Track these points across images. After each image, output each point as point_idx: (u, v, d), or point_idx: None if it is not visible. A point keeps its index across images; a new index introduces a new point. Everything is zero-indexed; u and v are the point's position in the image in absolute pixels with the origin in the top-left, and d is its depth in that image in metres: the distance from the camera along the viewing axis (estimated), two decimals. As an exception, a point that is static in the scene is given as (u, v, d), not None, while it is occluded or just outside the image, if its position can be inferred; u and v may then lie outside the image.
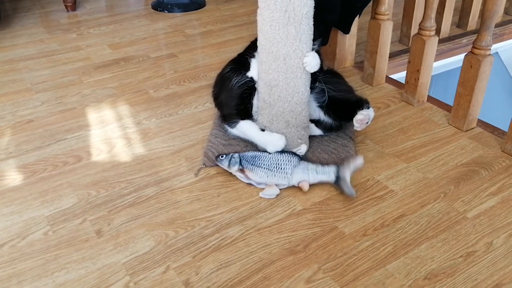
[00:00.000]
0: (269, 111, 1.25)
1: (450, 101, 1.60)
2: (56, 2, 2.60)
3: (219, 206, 1.16)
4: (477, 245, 1.05)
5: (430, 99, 1.61)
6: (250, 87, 1.27)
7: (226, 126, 1.34)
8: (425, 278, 0.97)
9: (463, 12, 2.24)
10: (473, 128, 1.46)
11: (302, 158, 1.24)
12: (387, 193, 1.20)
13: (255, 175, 1.20)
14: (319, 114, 1.34)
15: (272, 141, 1.24)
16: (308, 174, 1.19)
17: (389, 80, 1.75)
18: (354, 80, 1.74)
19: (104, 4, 2.62)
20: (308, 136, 1.31)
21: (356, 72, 1.80)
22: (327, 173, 1.19)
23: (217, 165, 1.27)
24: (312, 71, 1.22)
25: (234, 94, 1.28)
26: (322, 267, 1.00)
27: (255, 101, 1.28)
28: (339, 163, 1.21)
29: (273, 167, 1.19)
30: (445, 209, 1.15)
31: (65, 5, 2.48)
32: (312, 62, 1.19)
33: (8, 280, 0.98)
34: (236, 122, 1.30)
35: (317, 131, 1.36)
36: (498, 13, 1.31)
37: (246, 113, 1.29)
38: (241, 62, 1.29)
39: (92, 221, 1.12)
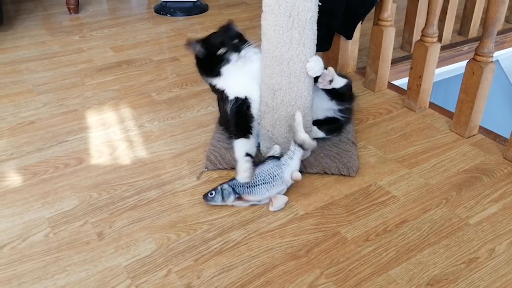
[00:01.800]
0: (272, 115, 1.25)
1: (450, 108, 1.61)
2: (58, 5, 2.61)
3: (221, 210, 1.16)
4: (480, 252, 1.05)
5: (432, 105, 1.62)
6: (240, 106, 1.27)
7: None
8: (427, 284, 0.97)
9: (464, 20, 2.25)
10: (474, 135, 1.46)
11: (279, 157, 1.22)
12: (389, 199, 1.20)
13: (255, 196, 1.16)
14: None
15: (240, 173, 1.17)
16: (289, 163, 1.18)
17: (391, 86, 1.76)
18: (356, 86, 1.75)
19: (107, 7, 2.63)
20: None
21: (358, 78, 1.81)
22: (292, 152, 1.18)
23: (219, 169, 1.27)
24: (315, 75, 1.22)
25: (230, 117, 1.29)
26: (324, 272, 1.00)
27: (253, 113, 1.29)
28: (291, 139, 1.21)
29: (268, 178, 1.17)
30: (447, 215, 1.15)
31: (67, 8, 2.48)
32: (315, 68, 1.20)
33: (8, 282, 0.97)
34: (234, 138, 1.28)
35: (319, 134, 1.36)
36: (500, 21, 1.32)
37: (245, 128, 1.28)
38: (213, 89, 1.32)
39: (94, 224, 1.12)
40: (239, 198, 1.16)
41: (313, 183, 1.25)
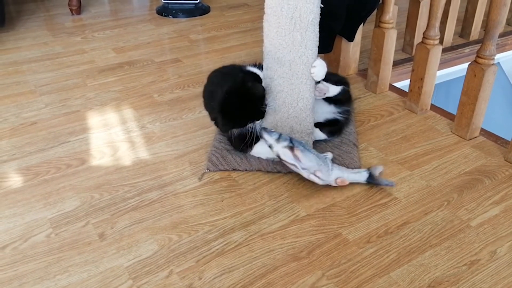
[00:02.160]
0: (274, 116, 1.26)
1: (451, 110, 1.61)
2: (61, 6, 2.61)
3: (222, 211, 1.16)
4: (481, 254, 1.05)
5: (433, 107, 1.62)
6: (244, 134, 1.26)
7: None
8: (428, 286, 0.97)
9: (466, 22, 2.25)
10: (476, 137, 1.46)
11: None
12: (391, 201, 1.20)
13: (305, 158, 1.17)
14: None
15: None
16: (344, 173, 1.21)
17: (393, 88, 1.76)
18: (357, 88, 1.75)
19: (109, 9, 2.63)
20: (312, 142, 1.32)
21: (359, 80, 1.81)
22: (359, 173, 1.22)
23: (221, 170, 1.27)
24: (318, 79, 1.22)
25: (237, 139, 1.30)
26: (325, 273, 1.00)
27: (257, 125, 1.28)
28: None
29: (320, 157, 1.20)
30: (449, 217, 1.15)
31: (70, 9, 2.49)
32: (320, 73, 1.20)
33: (10, 282, 0.98)
34: (250, 149, 1.30)
35: (321, 136, 1.36)
36: (502, 23, 1.32)
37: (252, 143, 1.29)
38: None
39: (95, 224, 1.12)
40: (291, 148, 1.17)
41: (315, 185, 1.25)
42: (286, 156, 1.18)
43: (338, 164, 1.26)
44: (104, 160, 1.35)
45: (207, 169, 1.30)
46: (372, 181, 1.22)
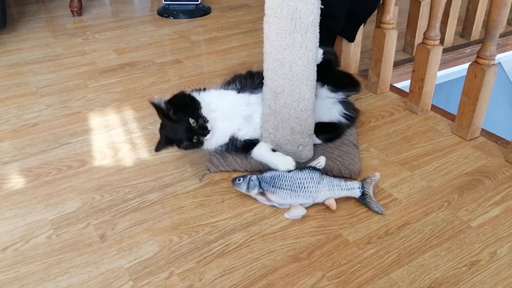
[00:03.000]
0: (275, 117, 1.26)
1: (452, 110, 1.61)
2: (62, 7, 2.62)
3: (223, 212, 1.16)
4: (481, 255, 1.05)
5: (434, 108, 1.62)
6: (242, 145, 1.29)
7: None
8: (429, 287, 0.97)
9: (466, 22, 2.25)
10: (476, 138, 1.46)
11: (322, 172, 1.19)
12: (391, 201, 1.20)
13: (278, 197, 1.14)
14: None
15: (284, 163, 1.21)
16: (334, 190, 1.16)
17: (393, 88, 1.76)
18: (358, 88, 1.75)
19: (110, 10, 2.64)
20: (312, 143, 1.32)
21: (360, 80, 1.80)
22: (352, 189, 1.17)
23: (221, 171, 1.27)
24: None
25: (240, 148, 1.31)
26: (326, 274, 1.00)
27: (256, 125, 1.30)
28: (362, 180, 1.19)
29: (296, 187, 1.14)
30: (449, 218, 1.15)
31: (71, 10, 2.49)
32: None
33: (11, 283, 0.98)
34: (250, 152, 1.29)
35: (316, 140, 1.36)
36: (503, 24, 1.32)
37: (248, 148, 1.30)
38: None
39: (96, 226, 1.12)
40: (262, 193, 1.15)
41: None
42: (262, 200, 1.18)
43: (331, 175, 1.21)
44: (105, 162, 1.35)
45: (208, 170, 1.30)
46: (363, 201, 1.17)
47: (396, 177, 1.29)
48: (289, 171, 1.18)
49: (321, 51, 1.31)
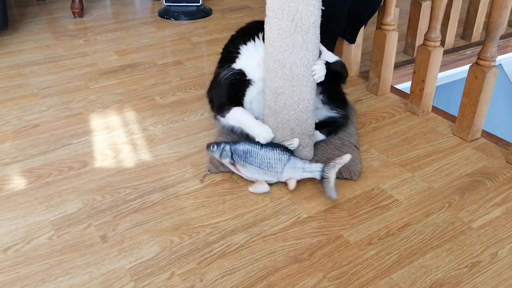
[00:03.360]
0: (275, 118, 1.26)
1: (453, 112, 1.61)
2: (63, 9, 2.62)
3: (224, 213, 1.16)
4: (482, 256, 1.05)
5: (435, 109, 1.62)
6: (238, 79, 1.27)
7: (219, 117, 1.34)
8: (430, 288, 0.97)
9: (467, 24, 2.25)
10: (477, 139, 1.46)
11: (293, 152, 1.24)
12: (392, 202, 1.20)
13: (246, 171, 1.22)
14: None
15: (262, 133, 1.24)
16: (295, 172, 1.21)
17: (394, 90, 1.76)
18: (359, 90, 1.75)
19: (111, 11, 2.64)
20: (313, 144, 1.32)
21: (361, 82, 1.81)
22: (313, 171, 1.20)
23: (222, 172, 1.28)
24: (319, 80, 1.23)
25: (222, 86, 1.30)
26: (327, 275, 1.00)
27: (248, 92, 1.30)
28: (326, 162, 1.21)
29: (264, 165, 1.21)
30: (450, 219, 1.15)
31: (72, 12, 2.50)
32: (320, 72, 1.21)
33: (12, 284, 0.98)
34: (228, 110, 1.28)
35: (321, 137, 1.37)
36: (503, 25, 1.32)
37: (237, 101, 1.28)
38: (226, 57, 1.33)
39: (97, 227, 1.13)
40: (233, 164, 1.22)
41: (316, 186, 1.25)
42: (232, 169, 1.25)
43: (300, 158, 1.24)
44: (106, 163, 1.35)
45: (209, 171, 1.30)
46: (321, 184, 1.20)
47: (397, 178, 1.29)
48: (261, 148, 1.22)
49: (335, 58, 1.34)
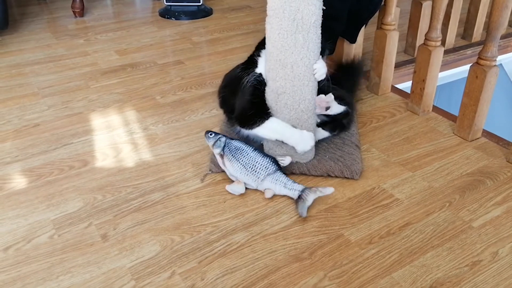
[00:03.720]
0: (276, 118, 1.26)
1: (453, 112, 1.61)
2: (64, 8, 2.62)
3: (225, 212, 1.17)
4: (483, 255, 1.05)
5: (435, 109, 1.62)
6: (260, 82, 1.25)
7: (245, 129, 1.28)
8: (430, 287, 0.97)
9: (468, 24, 2.25)
10: (478, 138, 1.46)
11: (281, 168, 1.23)
12: (392, 202, 1.20)
13: (231, 167, 1.23)
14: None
15: (303, 141, 1.22)
16: (276, 185, 1.20)
17: (395, 89, 1.76)
18: (359, 89, 1.75)
19: (112, 11, 2.64)
20: (314, 144, 1.32)
21: (361, 82, 1.81)
22: (293, 190, 1.18)
23: (223, 171, 1.28)
24: (319, 79, 1.23)
25: (247, 93, 1.25)
26: (327, 274, 1.00)
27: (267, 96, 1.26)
28: (307, 187, 1.18)
29: (249, 167, 1.21)
30: (451, 218, 1.15)
31: (73, 11, 2.50)
32: (321, 71, 1.21)
33: (13, 283, 0.98)
34: (261, 121, 1.22)
35: (325, 134, 1.37)
36: (504, 25, 1.32)
37: (264, 109, 1.23)
38: (250, 61, 1.31)
39: (98, 226, 1.13)
40: (221, 156, 1.24)
41: (317, 186, 1.25)
42: (219, 161, 1.25)
43: (285, 175, 1.22)
44: (107, 162, 1.36)
45: (210, 170, 1.30)
46: (296, 202, 1.17)
47: (397, 177, 1.29)
48: (253, 151, 1.23)
49: (342, 108, 1.34)
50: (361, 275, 1.00)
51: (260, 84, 1.25)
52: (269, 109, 1.24)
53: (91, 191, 1.24)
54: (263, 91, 1.25)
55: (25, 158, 1.37)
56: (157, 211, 1.17)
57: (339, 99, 1.34)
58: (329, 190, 1.16)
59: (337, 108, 1.35)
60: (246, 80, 1.25)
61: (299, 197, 1.16)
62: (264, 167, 1.21)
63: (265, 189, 1.21)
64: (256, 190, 1.23)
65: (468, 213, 1.16)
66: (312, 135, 1.23)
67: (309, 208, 1.16)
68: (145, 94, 1.74)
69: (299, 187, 1.18)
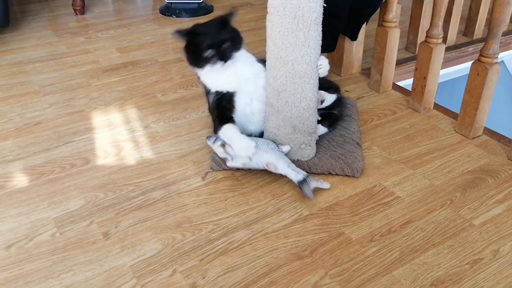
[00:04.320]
0: (277, 116, 1.26)
1: (454, 109, 1.61)
2: (64, 6, 2.62)
3: (226, 210, 1.17)
4: (484, 253, 1.05)
5: (437, 106, 1.62)
6: (220, 98, 1.27)
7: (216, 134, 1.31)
8: (431, 285, 0.97)
9: (469, 21, 2.25)
10: (479, 136, 1.46)
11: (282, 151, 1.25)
12: (393, 199, 1.20)
13: (232, 151, 1.22)
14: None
15: (242, 148, 1.21)
16: (279, 161, 1.20)
17: (396, 87, 1.76)
18: (360, 87, 1.75)
19: (113, 9, 2.64)
20: (315, 142, 1.32)
21: (363, 79, 1.81)
22: (296, 172, 1.19)
23: (224, 169, 1.28)
24: (323, 75, 1.24)
25: (214, 112, 1.30)
26: (328, 272, 1.00)
27: (237, 107, 1.28)
28: (311, 176, 1.20)
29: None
30: (452, 216, 1.15)
31: (73, 9, 2.50)
32: (325, 67, 1.22)
33: (15, 281, 0.98)
34: (219, 129, 1.26)
35: (324, 130, 1.38)
36: (506, 22, 1.31)
37: (223, 118, 1.27)
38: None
39: (99, 224, 1.13)
40: (223, 146, 1.24)
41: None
42: (220, 152, 1.25)
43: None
44: (108, 160, 1.36)
45: (211, 168, 1.30)
46: (302, 185, 1.17)
47: (398, 175, 1.29)
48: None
49: (334, 97, 1.38)
50: (362, 273, 1.00)
51: (221, 99, 1.27)
52: (230, 118, 1.27)
53: (93, 189, 1.24)
54: (224, 105, 1.27)
55: (27, 156, 1.38)
56: (159, 209, 1.17)
57: (327, 89, 1.36)
58: (326, 185, 1.21)
59: (330, 98, 1.37)
60: (211, 101, 1.30)
61: (304, 180, 1.17)
62: (266, 143, 1.23)
63: (267, 163, 1.20)
64: (256, 189, 1.23)
65: (469, 211, 1.16)
66: (252, 144, 1.20)
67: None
68: (146, 92, 1.74)
69: (304, 172, 1.20)
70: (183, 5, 2.53)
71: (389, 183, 1.26)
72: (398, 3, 1.67)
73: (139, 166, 1.33)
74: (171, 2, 2.53)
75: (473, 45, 2.16)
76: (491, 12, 1.31)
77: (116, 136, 1.47)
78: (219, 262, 1.02)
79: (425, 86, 1.54)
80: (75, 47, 2.12)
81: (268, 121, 1.29)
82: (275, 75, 1.21)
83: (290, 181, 1.26)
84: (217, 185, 1.25)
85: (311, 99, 1.24)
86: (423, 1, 1.95)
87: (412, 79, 1.59)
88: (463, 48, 2.14)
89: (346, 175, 1.28)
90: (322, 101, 1.34)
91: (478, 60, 1.36)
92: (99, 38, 2.23)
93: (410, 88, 1.64)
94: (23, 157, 1.37)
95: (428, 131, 1.49)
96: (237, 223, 1.13)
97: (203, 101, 1.66)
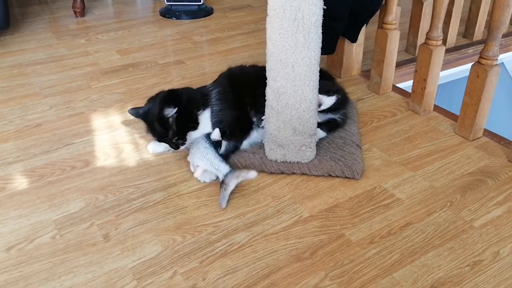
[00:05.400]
0: (277, 118, 1.26)
1: (454, 111, 1.61)
2: (65, 8, 2.62)
3: (226, 212, 1.17)
4: (484, 254, 1.05)
5: (437, 108, 1.62)
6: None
7: None
8: (431, 287, 0.97)
9: (469, 23, 2.25)
10: (479, 138, 1.46)
11: (217, 149, 1.25)
12: (393, 201, 1.20)
13: (195, 148, 1.25)
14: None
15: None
16: (203, 161, 1.22)
17: (396, 89, 1.76)
18: (360, 89, 1.75)
19: (113, 11, 2.64)
20: (315, 144, 1.32)
21: (362, 81, 1.81)
22: (218, 171, 1.19)
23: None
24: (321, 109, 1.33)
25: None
26: (329, 274, 1.00)
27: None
28: (233, 169, 1.19)
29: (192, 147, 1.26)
30: (452, 218, 1.15)
31: (74, 11, 2.50)
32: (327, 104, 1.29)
33: (16, 283, 0.98)
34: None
35: (323, 134, 1.38)
36: (505, 24, 1.32)
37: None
38: None
39: (100, 226, 1.13)
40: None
41: (318, 186, 1.25)
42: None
43: (217, 155, 1.24)
44: (109, 162, 1.36)
45: (211, 170, 1.30)
46: (220, 186, 1.18)
47: (398, 177, 1.29)
48: (206, 142, 1.26)
49: (333, 99, 1.37)
50: (362, 275, 1.00)
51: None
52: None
53: (93, 191, 1.24)
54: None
55: (27, 158, 1.38)
56: (159, 211, 1.17)
57: (325, 92, 1.35)
58: (252, 174, 1.17)
59: (329, 101, 1.36)
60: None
61: (222, 182, 1.17)
62: (197, 146, 1.24)
63: (196, 166, 1.24)
64: (256, 190, 1.24)
65: (469, 213, 1.16)
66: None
67: (232, 192, 1.18)
68: (146, 94, 1.73)
69: (225, 169, 1.18)
70: (183, 7, 2.53)
71: (389, 185, 1.26)
72: (398, 5, 1.67)
73: (139, 168, 1.33)
74: (171, 4, 2.54)
75: (473, 47, 2.16)
76: (491, 14, 1.31)
77: (116, 138, 1.47)
78: (219, 264, 1.02)
79: (425, 88, 1.54)
80: (75, 49, 2.13)
81: (268, 123, 1.29)
82: (275, 77, 1.22)
83: (290, 183, 1.26)
84: (217, 187, 1.25)
85: (311, 101, 1.24)
86: (423, 3, 1.95)
87: (412, 81, 1.59)
88: (463, 50, 2.14)
89: (346, 177, 1.28)
90: (320, 105, 1.33)
91: (478, 62, 1.36)
92: (99, 40, 2.23)
93: (410, 90, 1.64)
94: (23, 159, 1.37)
95: (428, 133, 1.49)
96: (237, 225, 1.13)
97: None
